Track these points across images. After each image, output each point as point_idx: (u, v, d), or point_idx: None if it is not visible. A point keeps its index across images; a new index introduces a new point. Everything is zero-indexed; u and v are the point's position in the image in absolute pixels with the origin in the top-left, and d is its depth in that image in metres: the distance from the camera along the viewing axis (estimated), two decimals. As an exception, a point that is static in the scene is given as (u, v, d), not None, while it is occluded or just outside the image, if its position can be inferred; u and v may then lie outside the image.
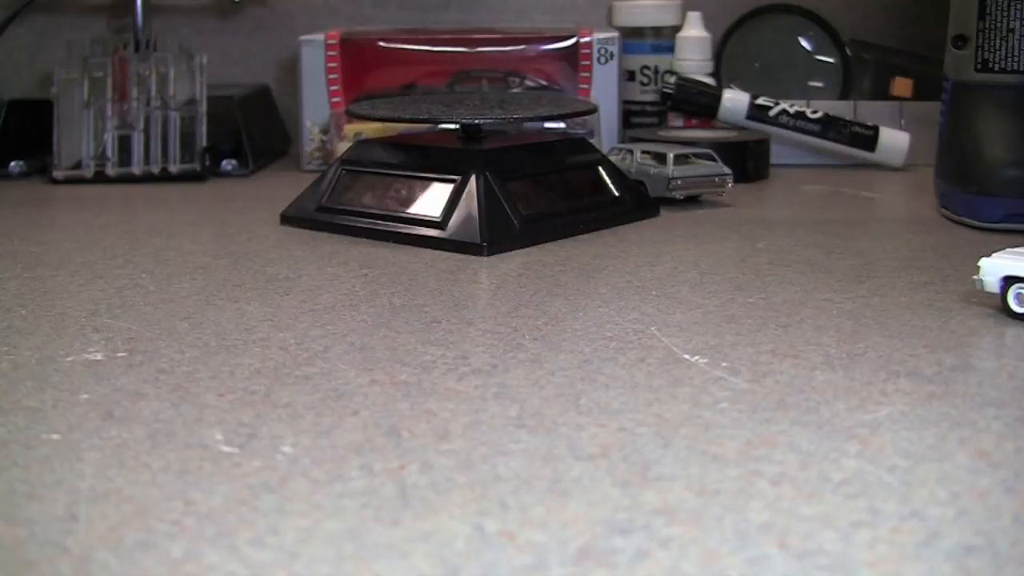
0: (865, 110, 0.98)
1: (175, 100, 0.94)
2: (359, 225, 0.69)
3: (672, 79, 0.95)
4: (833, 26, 1.07)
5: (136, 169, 0.92)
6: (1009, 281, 0.50)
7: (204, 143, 0.94)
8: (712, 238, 0.68)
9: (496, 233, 0.65)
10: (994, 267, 0.51)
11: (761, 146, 0.92)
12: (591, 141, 0.79)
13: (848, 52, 1.06)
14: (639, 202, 0.74)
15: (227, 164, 0.96)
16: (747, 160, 0.90)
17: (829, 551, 0.29)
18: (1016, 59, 0.72)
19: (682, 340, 0.48)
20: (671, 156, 0.78)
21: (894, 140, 0.94)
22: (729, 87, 0.98)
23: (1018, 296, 0.50)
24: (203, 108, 0.94)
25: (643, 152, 0.80)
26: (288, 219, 0.73)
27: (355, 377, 0.43)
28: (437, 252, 0.65)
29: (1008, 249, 0.52)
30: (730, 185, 0.79)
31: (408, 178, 0.69)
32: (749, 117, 0.94)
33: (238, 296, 0.56)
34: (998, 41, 0.72)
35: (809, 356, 0.46)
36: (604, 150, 0.90)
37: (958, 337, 0.48)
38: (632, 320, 0.51)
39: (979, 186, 0.70)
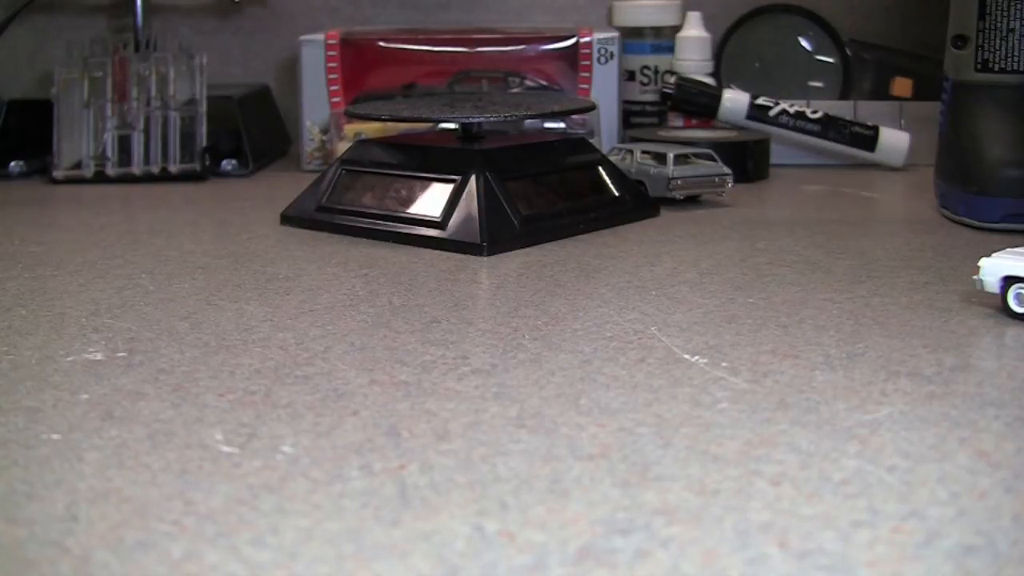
0: (865, 110, 0.98)
1: (175, 100, 0.94)
2: (359, 225, 0.69)
3: (672, 79, 0.95)
4: (833, 26, 1.07)
5: (136, 169, 0.92)
6: (1009, 281, 0.50)
7: (204, 143, 0.94)
8: (712, 238, 0.68)
9: (496, 233, 0.65)
10: (994, 267, 0.51)
11: (761, 146, 0.92)
12: (591, 141, 0.79)
13: (848, 52, 1.06)
14: (639, 202, 0.74)
15: (227, 164, 0.96)
16: (747, 160, 0.90)
17: (829, 551, 0.29)
18: (1016, 59, 0.72)
19: (682, 340, 0.48)
20: (671, 156, 0.78)
21: (894, 140, 0.94)
22: (729, 87, 0.98)
23: (1018, 296, 0.50)
24: (203, 108, 0.94)
25: (643, 152, 0.80)
26: (288, 219, 0.73)
27: (355, 377, 0.43)
28: (437, 252, 0.65)
29: (1008, 249, 0.52)
30: (730, 185, 0.79)
31: (408, 178, 0.69)
32: (749, 117, 0.94)
33: (238, 296, 0.56)
34: (998, 41, 0.72)
35: (809, 356, 0.46)
36: (604, 150, 0.90)
37: (958, 337, 0.48)
38: (632, 320, 0.51)
39: (979, 186, 0.70)
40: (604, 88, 0.96)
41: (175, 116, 0.94)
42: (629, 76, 1.03)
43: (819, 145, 0.95)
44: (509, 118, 0.69)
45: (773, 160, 0.94)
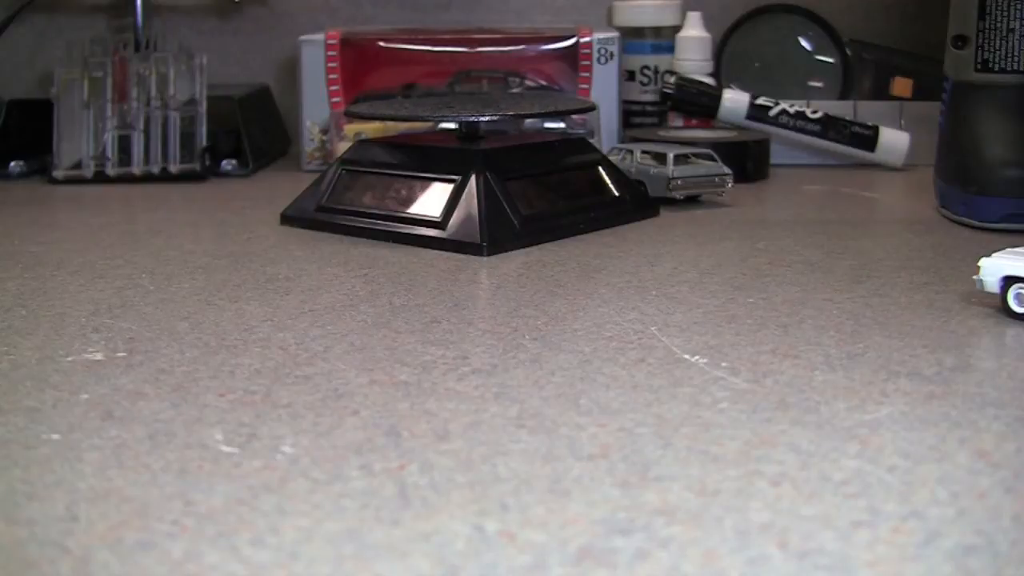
0: (865, 110, 0.98)
1: (175, 100, 0.94)
2: (359, 225, 0.69)
3: (672, 79, 0.95)
4: (833, 26, 1.07)
5: (136, 169, 0.92)
6: (1009, 281, 0.50)
7: (204, 143, 0.94)
8: (712, 238, 0.68)
9: (496, 233, 0.65)
10: (994, 267, 0.51)
11: (761, 146, 0.92)
12: (591, 141, 0.79)
13: (848, 52, 1.06)
14: (639, 202, 0.74)
15: (227, 164, 0.96)
16: (747, 160, 0.90)
17: (829, 551, 0.29)
18: (1016, 59, 0.72)
19: (682, 340, 0.48)
20: (671, 156, 0.78)
21: (894, 140, 0.94)
22: (729, 87, 0.98)
23: (1018, 296, 0.50)
24: (203, 108, 0.94)
25: (643, 152, 0.80)
26: (288, 219, 0.73)
27: (355, 377, 0.43)
28: (437, 252, 0.65)
29: (1008, 249, 0.52)
30: (730, 185, 0.79)
31: (408, 178, 0.69)
32: (749, 117, 0.94)
33: (238, 296, 0.56)
34: (998, 41, 0.72)
35: (809, 356, 0.46)
36: (604, 150, 0.90)
37: (958, 337, 0.48)
38: (632, 320, 0.51)
39: (979, 186, 0.70)
40: (604, 88, 0.96)
41: (175, 116, 0.94)
42: (629, 76, 1.03)
43: (819, 145, 0.95)
44: (509, 118, 0.69)
45: (773, 160, 0.94)
